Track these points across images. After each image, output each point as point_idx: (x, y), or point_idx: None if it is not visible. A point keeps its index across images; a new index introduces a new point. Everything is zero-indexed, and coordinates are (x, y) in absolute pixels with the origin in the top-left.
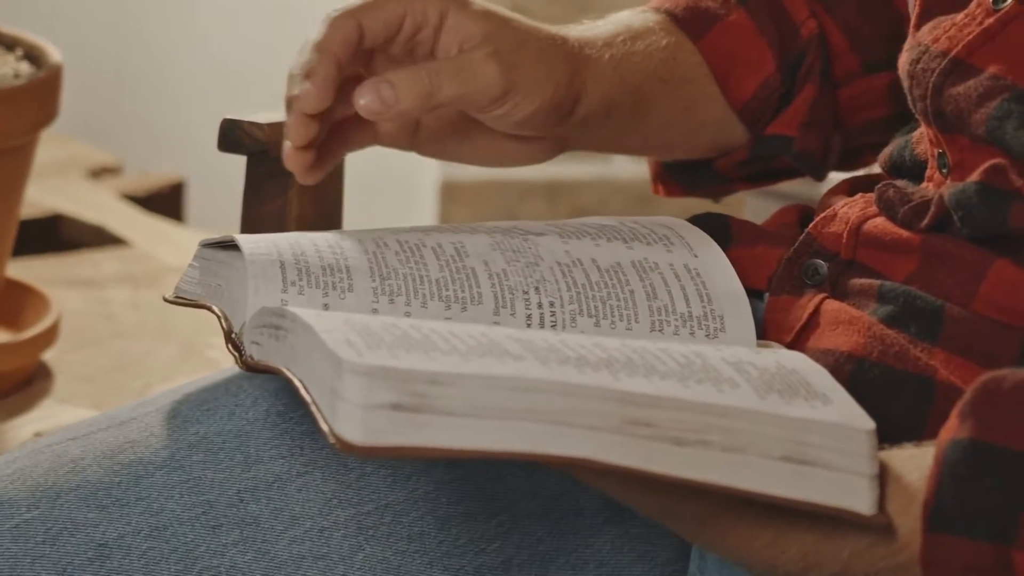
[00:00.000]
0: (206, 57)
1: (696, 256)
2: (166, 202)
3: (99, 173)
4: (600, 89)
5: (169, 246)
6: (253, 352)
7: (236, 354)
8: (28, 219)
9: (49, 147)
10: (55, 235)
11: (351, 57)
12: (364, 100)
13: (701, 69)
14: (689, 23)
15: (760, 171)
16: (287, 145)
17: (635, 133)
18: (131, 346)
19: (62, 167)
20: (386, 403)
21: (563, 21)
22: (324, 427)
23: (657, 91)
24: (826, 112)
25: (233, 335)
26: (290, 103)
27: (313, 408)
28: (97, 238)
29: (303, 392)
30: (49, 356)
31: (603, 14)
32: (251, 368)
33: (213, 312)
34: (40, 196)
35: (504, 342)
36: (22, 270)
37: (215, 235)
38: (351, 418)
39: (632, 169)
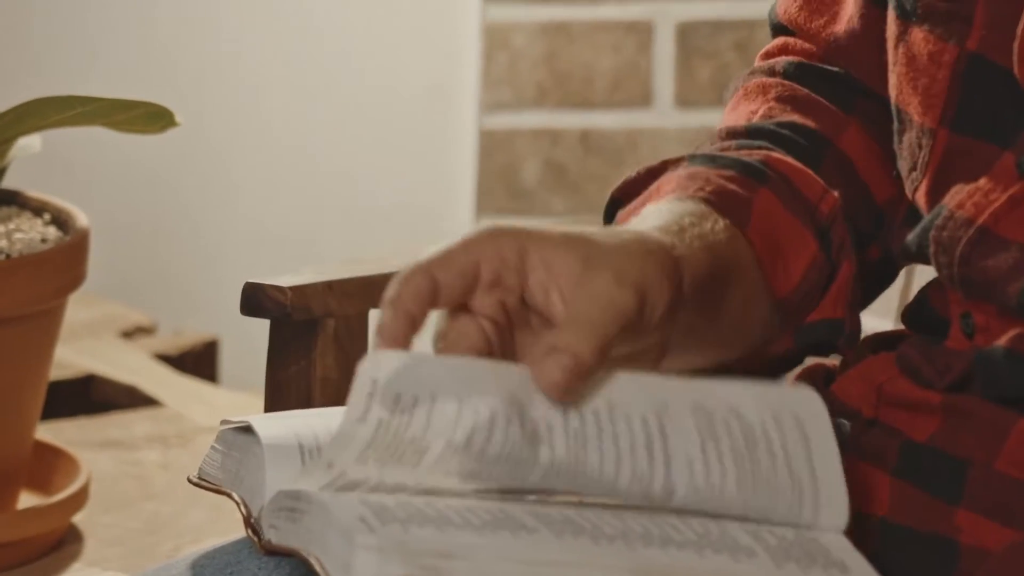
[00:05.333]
0: (240, 216)
1: None
2: (199, 361)
3: (132, 333)
4: (692, 270)
5: (201, 406)
6: (272, 536)
7: (255, 538)
8: (60, 380)
9: (82, 307)
10: (87, 396)
11: (425, 311)
12: (549, 379)
13: (751, 255)
14: (728, 210)
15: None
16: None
17: (711, 329)
18: (161, 508)
19: (95, 327)
20: None
21: (601, 175)
22: None
23: (727, 275)
24: (858, 285)
25: (252, 520)
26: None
27: None
28: (129, 398)
29: (320, 570)
30: (79, 519)
31: (640, 167)
32: (270, 551)
33: (232, 499)
34: (73, 357)
35: (520, 516)
36: (53, 432)
37: (247, 395)
38: None
39: None
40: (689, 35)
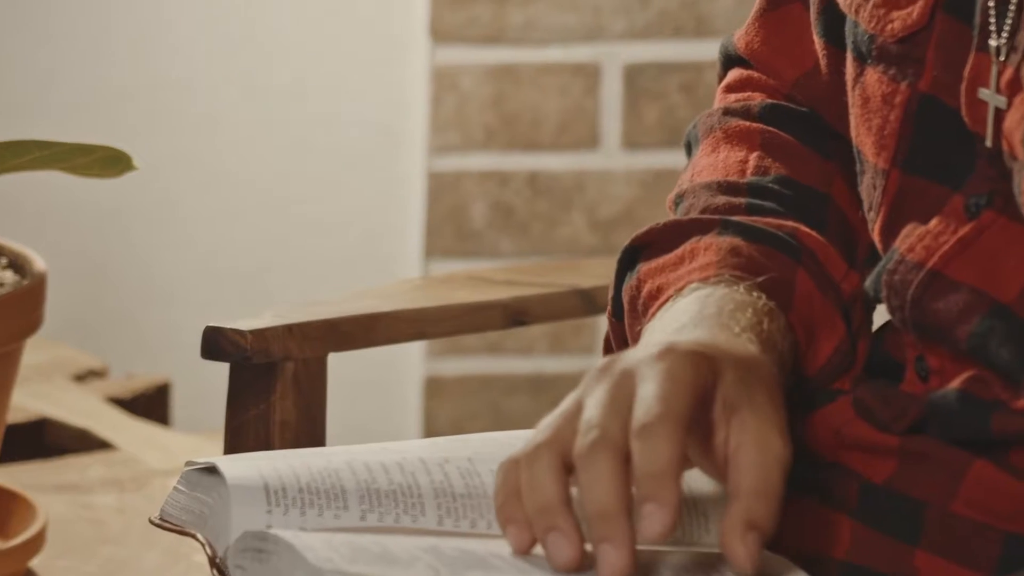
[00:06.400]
0: (192, 258)
1: None
2: (151, 404)
3: (84, 376)
4: None
5: (155, 449)
6: None
7: None
8: (14, 424)
9: (34, 351)
10: (41, 440)
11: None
12: (749, 557)
13: (792, 341)
14: (776, 295)
15: None
16: None
17: None
18: (117, 552)
19: (47, 371)
20: None
21: (549, 216)
22: None
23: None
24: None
25: (218, 560)
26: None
27: None
28: (83, 442)
29: None
30: (36, 563)
31: (588, 212)
32: None
33: (197, 539)
34: (25, 401)
35: (487, 557)
36: (7, 476)
37: (199, 439)
38: None
39: None
40: (636, 77)
